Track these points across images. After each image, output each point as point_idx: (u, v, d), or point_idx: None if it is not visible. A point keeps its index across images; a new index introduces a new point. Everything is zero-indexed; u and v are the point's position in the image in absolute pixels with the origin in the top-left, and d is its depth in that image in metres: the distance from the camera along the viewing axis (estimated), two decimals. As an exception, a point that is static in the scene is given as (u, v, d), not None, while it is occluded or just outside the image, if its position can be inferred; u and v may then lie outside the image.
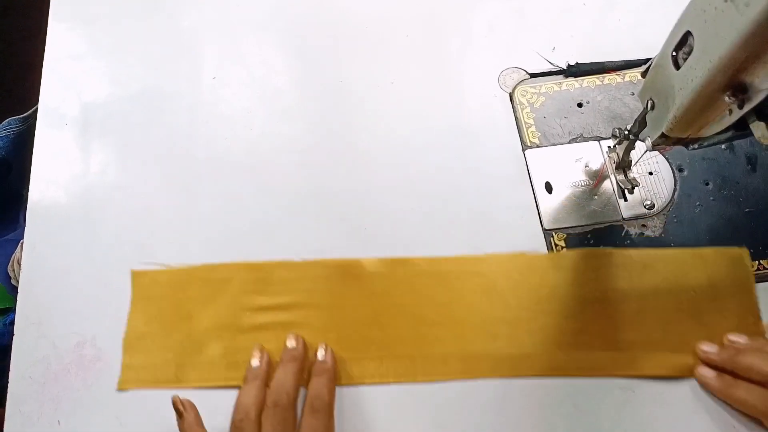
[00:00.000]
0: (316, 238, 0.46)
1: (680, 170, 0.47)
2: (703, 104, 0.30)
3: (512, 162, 0.48)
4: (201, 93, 0.51)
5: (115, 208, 0.47)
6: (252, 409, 0.37)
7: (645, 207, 0.46)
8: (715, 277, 0.43)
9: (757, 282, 0.44)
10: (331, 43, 0.53)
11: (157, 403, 0.40)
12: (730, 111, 0.29)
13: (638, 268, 0.43)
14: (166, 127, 0.50)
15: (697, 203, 0.46)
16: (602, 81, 0.51)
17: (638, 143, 0.40)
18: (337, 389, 0.41)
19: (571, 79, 0.51)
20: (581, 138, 0.49)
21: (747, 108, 0.28)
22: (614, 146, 0.44)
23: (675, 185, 0.47)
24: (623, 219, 0.46)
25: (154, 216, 0.46)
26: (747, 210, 0.46)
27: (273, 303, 0.43)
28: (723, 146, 0.48)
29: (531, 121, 0.49)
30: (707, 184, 0.47)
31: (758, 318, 0.42)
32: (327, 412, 0.38)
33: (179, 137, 0.49)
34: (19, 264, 0.48)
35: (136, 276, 0.44)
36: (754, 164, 0.47)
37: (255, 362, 0.40)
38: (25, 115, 0.70)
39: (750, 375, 0.38)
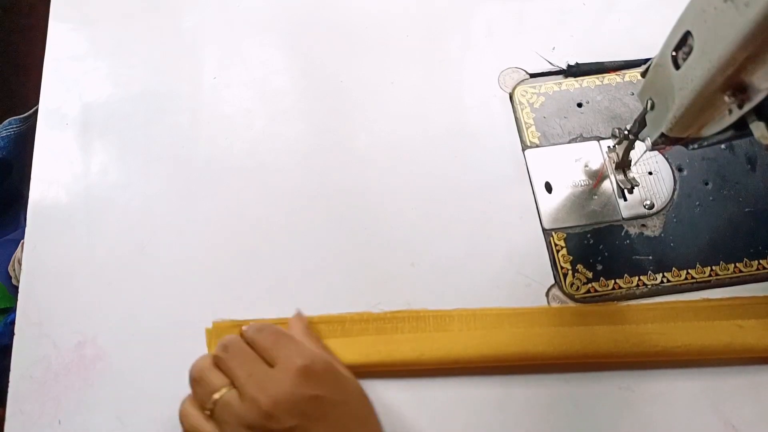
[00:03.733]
0: (316, 237, 0.46)
1: (680, 170, 0.47)
2: (702, 104, 0.30)
3: (512, 162, 0.48)
4: (202, 93, 0.51)
5: (116, 208, 0.47)
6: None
7: (645, 207, 0.46)
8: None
9: (757, 282, 0.44)
10: (331, 43, 0.53)
11: (158, 403, 0.40)
12: (730, 111, 0.29)
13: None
14: (166, 128, 0.50)
15: (697, 203, 0.46)
16: (602, 81, 0.51)
17: (638, 143, 0.40)
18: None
19: (570, 79, 0.51)
20: (581, 138, 0.49)
21: (747, 108, 0.28)
22: (614, 146, 0.44)
23: (675, 185, 0.47)
24: (623, 219, 0.46)
25: (155, 216, 0.47)
26: (747, 210, 0.46)
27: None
28: (723, 146, 0.48)
29: (531, 121, 0.49)
30: (707, 184, 0.47)
31: None
32: (272, 329, 0.38)
33: (180, 137, 0.49)
34: (19, 264, 0.48)
35: (217, 330, 0.42)
36: (754, 164, 0.48)
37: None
38: (25, 115, 0.70)
39: None
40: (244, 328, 0.39)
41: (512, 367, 0.41)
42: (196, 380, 0.36)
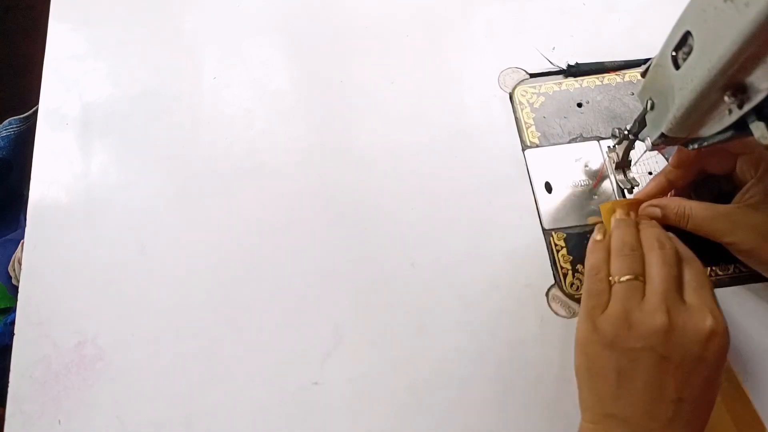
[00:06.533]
0: (316, 237, 0.46)
1: (680, 170, 0.47)
2: (702, 104, 0.30)
3: (512, 162, 0.48)
4: (202, 93, 0.51)
5: (116, 208, 0.47)
6: (603, 265, 0.37)
7: (645, 207, 0.46)
8: None
9: (757, 282, 0.44)
10: (331, 43, 0.53)
11: (158, 403, 0.40)
12: (730, 111, 0.29)
13: None
14: (166, 128, 0.50)
15: (697, 203, 0.46)
16: (602, 81, 0.51)
17: (638, 143, 0.40)
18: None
19: (570, 79, 0.51)
20: (581, 138, 0.49)
21: (747, 108, 0.28)
22: (614, 146, 0.44)
23: (675, 185, 0.47)
24: (623, 219, 0.46)
25: (155, 216, 0.47)
26: (747, 210, 0.46)
27: None
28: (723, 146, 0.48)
29: (531, 121, 0.49)
30: (707, 184, 0.47)
31: None
32: (670, 243, 0.37)
33: (180, 137, 0.49)
34: (19, 264, 0.48)
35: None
36: (754, 164, 0.47)
37: (598, 237, 0.40)
38: (25, 115, 0.70)
39: None
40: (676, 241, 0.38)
41: None
42: (625, 245, 0.38)
